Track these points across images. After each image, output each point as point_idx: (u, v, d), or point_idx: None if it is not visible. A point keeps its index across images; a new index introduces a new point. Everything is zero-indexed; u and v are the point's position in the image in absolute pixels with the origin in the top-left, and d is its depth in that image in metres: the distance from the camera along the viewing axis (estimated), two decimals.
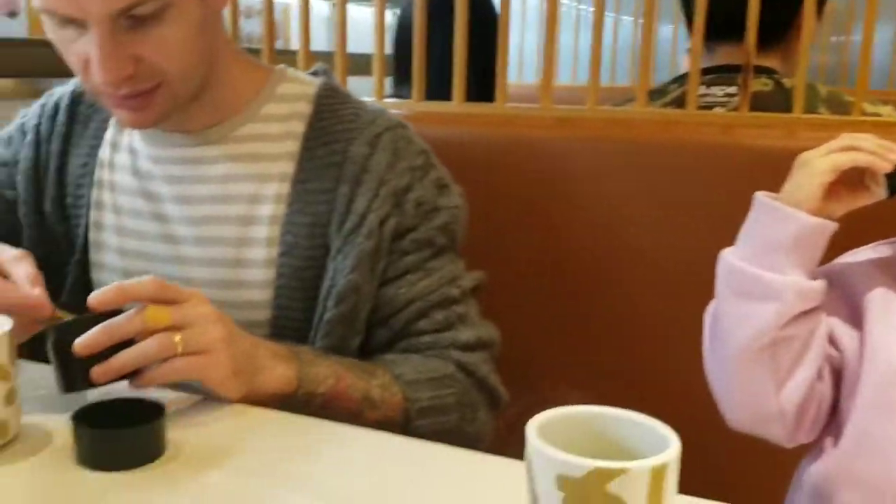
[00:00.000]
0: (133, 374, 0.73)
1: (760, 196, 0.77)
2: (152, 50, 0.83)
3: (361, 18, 1.71)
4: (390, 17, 2.10)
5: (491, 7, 1.80)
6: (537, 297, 1.20)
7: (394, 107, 1.35)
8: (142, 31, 0.82)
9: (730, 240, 0.80)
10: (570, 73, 2.94)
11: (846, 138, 0.74)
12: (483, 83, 1.48)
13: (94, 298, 0.72)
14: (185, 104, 0.91)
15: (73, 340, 0.70)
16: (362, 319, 0.93)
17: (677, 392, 0.95)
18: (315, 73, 1.04)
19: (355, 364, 0.89)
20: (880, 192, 0.72)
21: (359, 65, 1.51)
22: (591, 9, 1.24)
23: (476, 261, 1.00)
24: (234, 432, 0.76)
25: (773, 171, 1.06)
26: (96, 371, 0.71)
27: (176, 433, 0.72)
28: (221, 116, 0.96)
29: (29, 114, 1.06)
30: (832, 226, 0.74)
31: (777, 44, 1.38)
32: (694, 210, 1.11)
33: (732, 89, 1.33)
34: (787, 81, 1.33)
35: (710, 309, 0.81)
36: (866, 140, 0.73)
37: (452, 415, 0.91)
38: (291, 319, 0.93)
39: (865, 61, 1.17)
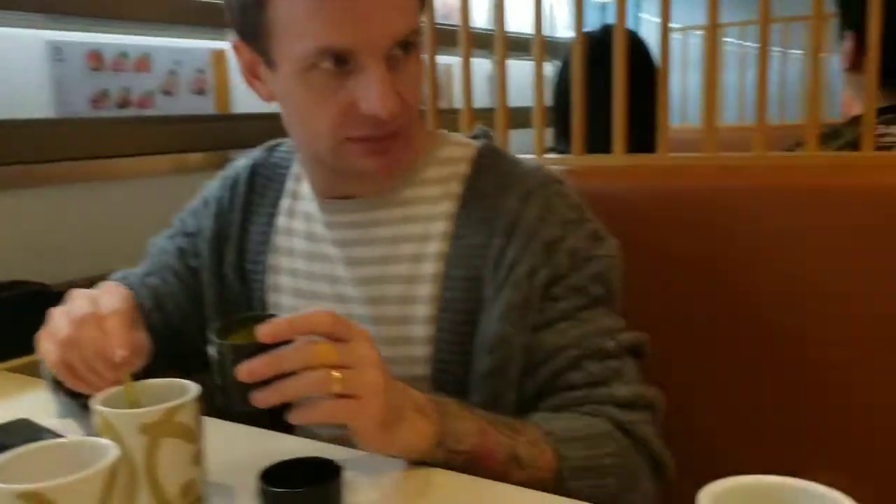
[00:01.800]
0: (289, 405, 0.74)
1: None
2: (405, 86, 0.88)
3: (521, 72, 1.74)
4: (549, 68, 2.12)
5: (647, 52, 1.78)
6: (704, 354, 1.15)
7: (554, 162, 1.36)
8: (400, 66, 0.87)
9: None
10: (737, 112, 2.85)
11: None
12: (645, 130, 1.47)
13: (265, 333, 0.72)
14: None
15: (236, 363, 0.71)
16: (514, 373, 0.91)
17: (862, 455, 0.89)
18: (476, 136, 1.06)
19: (502, 420, 0.84)
20: None
21: (519, 118, 1.54)
22: (756, 45, 1.20)
23: (638, 319, 0.97)
24: (411, 494, 0.78)
25: None
26: (256, 396, 0.72)
27: (355, 495, 0.75)
28: (390, 182, 1.00)
29: (211, 186, 1.14)
30: None
31: None
32: (875, 259, 1.04)
33: None
34: None
35: None
36: None
37: (610, 479, 0.84)
38: (451, 374, 0.94)
39: None
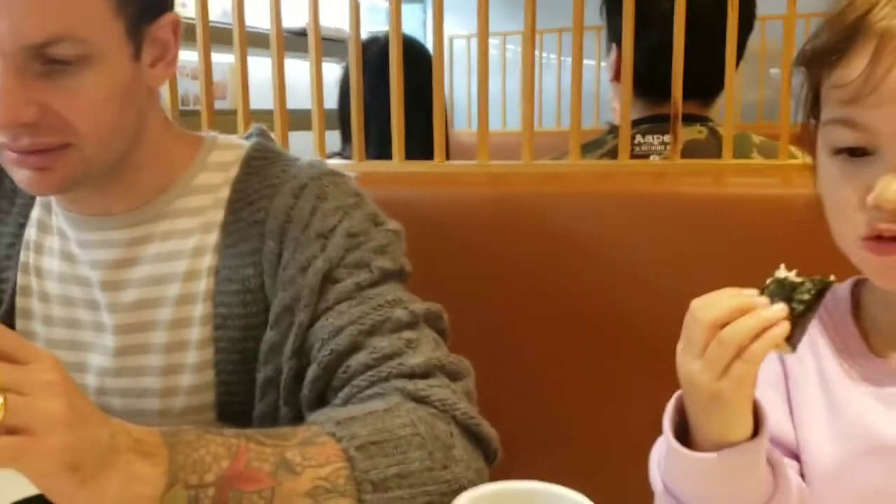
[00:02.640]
0: None
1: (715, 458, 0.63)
2: (62, 101, 0.77)
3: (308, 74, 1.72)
4: (338, 70, 2.11)
5: (429, 57, 1.81)
6: (482, 350, 1.18)
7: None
8: (56, 77, 0.76)
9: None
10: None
11: (728, 339, 0.59)
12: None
13: None
14: (105, 180, 0.86)
15: None
16: (287, 383, 0.85)
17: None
18: (249, 136, 0.99)
19: (267, 431, 0.71)
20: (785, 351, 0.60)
21: (306, 121, 1.51)
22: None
23: None
24: None
25: (703, 217, 1.08)
26: None
27: None
28: (153, 195, 0.91)
29: None
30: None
31: (713, 96, 1.40)
32: (630, 259, 1.11)
33: (668, 137, 1.35)
34: (721, 129, 1.35)
35: None
36: (741, 325, 0.58)
37: (415, 452, 0.71)
38: (237, 395, 0.88)
39: (787, 98, 1.17)
